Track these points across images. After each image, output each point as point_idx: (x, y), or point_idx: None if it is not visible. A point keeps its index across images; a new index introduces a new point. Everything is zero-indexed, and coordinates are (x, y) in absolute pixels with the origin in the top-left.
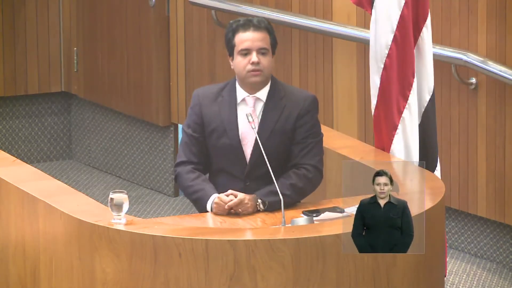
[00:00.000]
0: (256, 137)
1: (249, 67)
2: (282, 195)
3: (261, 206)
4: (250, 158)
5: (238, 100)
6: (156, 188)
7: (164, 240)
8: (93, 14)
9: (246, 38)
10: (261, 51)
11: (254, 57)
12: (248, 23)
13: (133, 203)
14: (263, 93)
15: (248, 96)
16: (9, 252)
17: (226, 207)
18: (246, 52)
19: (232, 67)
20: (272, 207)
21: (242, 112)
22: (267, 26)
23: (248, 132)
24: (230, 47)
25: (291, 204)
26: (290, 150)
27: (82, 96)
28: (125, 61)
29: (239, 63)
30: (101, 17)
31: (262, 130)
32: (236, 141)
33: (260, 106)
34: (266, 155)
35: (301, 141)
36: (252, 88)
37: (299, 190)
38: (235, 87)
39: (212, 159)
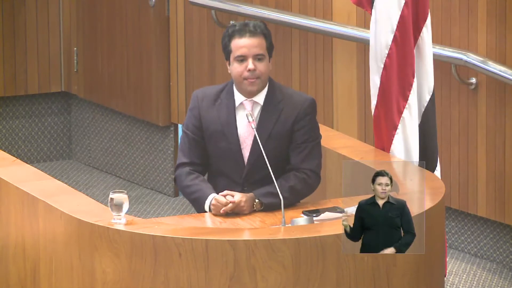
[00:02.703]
0: (256, 137)
1: (246, 74)
2: (279, 198)
3: (258, 206)
4: (248, 162)
5: (237, 103)
6: (156, 188)
7: (164, 240)
8: (93, 14)
9: (242, 44)
10: (257, 57)
11: (250, 64)
12: (244, 28)
13: (133, 203)
14: (261, 97)
15: (246, 100)
16: (9, 252)
17: (221, 211)
18: (242, 59)
19: (229, 71)
20: (268, 208)
21: (240, 116)
22: (263, 31)
23: (247, 136)
24: (226, 52)
25: (287, 205)
26: (288, 153)
27: (82, 96)
28: (125, 61)
29: (236, 69)
30: (101, 17)
31: (259, 134)
32: (235, 144)
33: (258, 109)
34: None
35: (300, 145)
36: (250, 93)
37: (297, 193)
38: (233, 91)
39: (211, 161)
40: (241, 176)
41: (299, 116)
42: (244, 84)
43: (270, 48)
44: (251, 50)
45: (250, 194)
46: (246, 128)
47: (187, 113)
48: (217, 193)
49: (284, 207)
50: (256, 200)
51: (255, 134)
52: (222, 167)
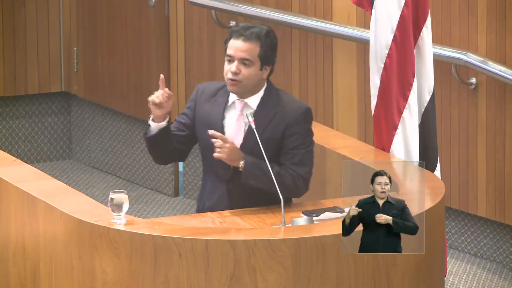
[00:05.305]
0: (256, 137)
1: (229, 75)
2: (265, 175)
3: (240, 166)
4: None
5: (229, 102)
6: (156, 188)
7: (164, 240)
8: (93, 14)
9: (232, 45)
10: (243, 62)
11: (233, 66)
12: (242, 31)
13: (133, 203)
14: (253, 100)
15: (238, 99)
16: (9, 252)
17: (216, 144)
18: (229, 59)
19: None
20: (246, 176)
21: (230, 114)
22: (261, 38)
23: (235, 136)
24: (225, 50)
25: (264, 190)
26: (276, 159)
27: (82, 96)
28: (125, 61)
29: (224, 68)
30: (101, 17)
31: (250, 137)
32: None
33: (247, 111)
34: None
35: (289, 151)
36: (235, 93)
37: (282, 182)
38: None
39: (201, 158)
40: (227, 174)
41: (290, 123)
42: (227, 83)
43: (264, 56)
44: (238, 53)
45: (240, 153)
46: (235, 127)
47: (187, 102)
48: (205, 194)
49: (262, 192)
50: (242, 162)
51: (245, 135)
52: (210, 164)
